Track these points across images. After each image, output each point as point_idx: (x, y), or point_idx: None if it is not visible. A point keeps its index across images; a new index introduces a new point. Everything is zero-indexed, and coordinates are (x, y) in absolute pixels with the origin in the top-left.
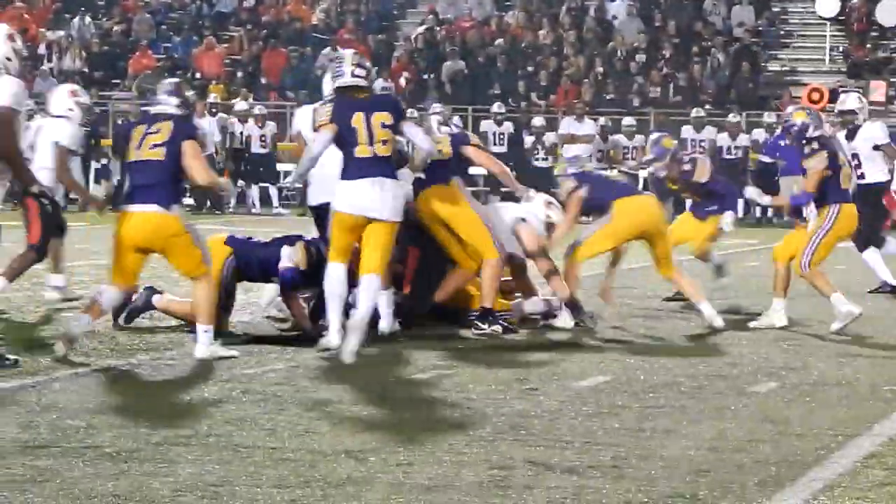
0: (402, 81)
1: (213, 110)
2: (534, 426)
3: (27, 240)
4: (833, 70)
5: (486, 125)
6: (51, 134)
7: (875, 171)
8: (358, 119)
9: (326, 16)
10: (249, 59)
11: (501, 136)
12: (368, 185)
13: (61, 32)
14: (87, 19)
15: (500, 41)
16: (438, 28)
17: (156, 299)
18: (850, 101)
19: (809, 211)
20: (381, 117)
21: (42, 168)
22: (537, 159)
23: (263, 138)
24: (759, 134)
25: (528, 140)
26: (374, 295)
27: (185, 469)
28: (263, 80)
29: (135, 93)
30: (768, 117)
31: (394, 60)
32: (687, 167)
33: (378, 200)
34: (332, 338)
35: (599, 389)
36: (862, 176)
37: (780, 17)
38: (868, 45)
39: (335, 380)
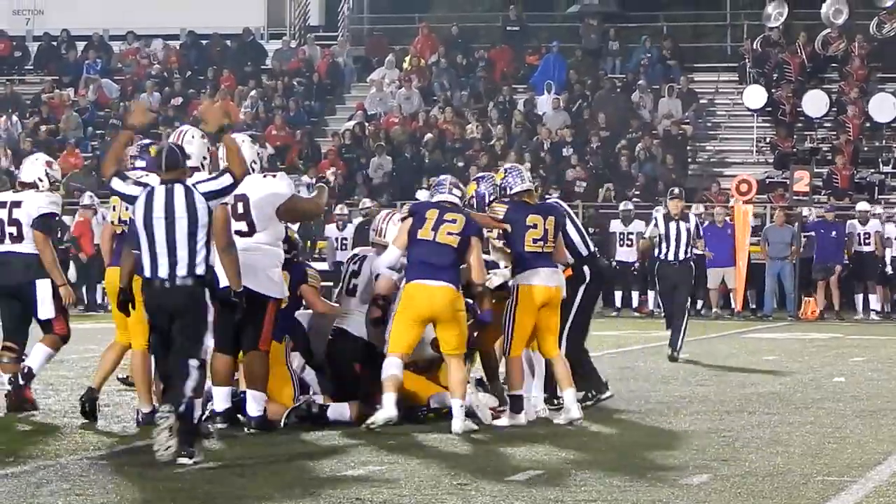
0: (331, 177)
1: None
2: None
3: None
4: (760, 161)
5: None
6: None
7: None
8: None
9: (255, 112)
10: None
11: None
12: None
13: None
14: (14, 118)
15: (429, 135)
16: (367, 123)
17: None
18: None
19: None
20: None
21: None
22: None
23: None
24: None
25: None
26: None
27: None
28: None
29: (62, 192)
30: (696, 209)
31: (322, 156)
32: None
33: None
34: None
35: (531, 483)
36: None
37: (707, 109)
38: (795, 136)
39: (264, 476)
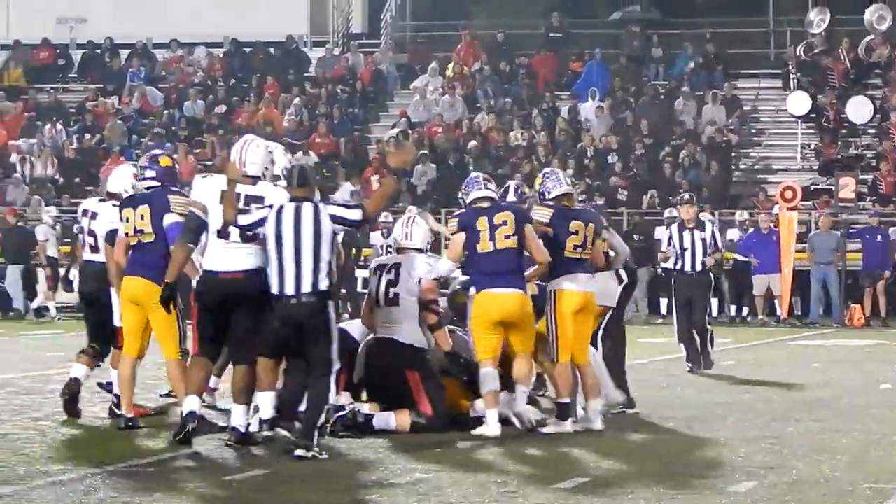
0: (375, 184)
1: None
2: None
3: None
4: (805, 168)
5: None
6: None
7: None
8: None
9: (299, 120)
10: (222, 164)
11: None
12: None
13: (33, 140)
14: (59, 126)
15: (473, 143)
16: (410, 131)
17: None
18: None
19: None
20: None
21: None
22: None
23: None
24: (733, 233)
25: None
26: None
27: None
28: None
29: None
30: (740, 216)
31: (366, 164)
32: None
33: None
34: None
35: (577, 490)
36: None
37: (750, 116)
38: (839, 143)
39: (312, 485)
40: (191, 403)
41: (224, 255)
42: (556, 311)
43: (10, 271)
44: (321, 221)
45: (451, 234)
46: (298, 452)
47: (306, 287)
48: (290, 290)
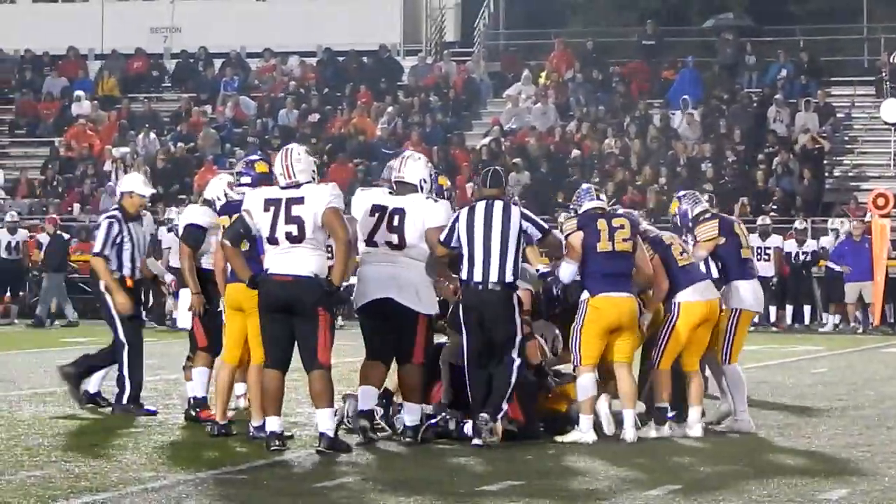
0: (468, 191)
1: None
2: None
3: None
4: None
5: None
6: None
7: None
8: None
9: (392, 128)
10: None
11: None
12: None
13: (126, 149)
14: (152, 135)
15: (577, 152)
16: (503, 139)
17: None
18: None
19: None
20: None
21: None
22: None
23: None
24: (827, 241)
25: None
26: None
27: None
28: None
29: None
30: (832, 224)
31: (458, 172)
32: None
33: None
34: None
35: (670, 498)
36: None
37: (843, 123)
38: None
39: (405, 493)
40: (272, 424)
41: (277, 260)
42: (677, 320)
43: (48, 278)
44: (511, 218)
45: (567, 234)
46: (476, 441)
47: (493, 277)
48: (478, 278)
